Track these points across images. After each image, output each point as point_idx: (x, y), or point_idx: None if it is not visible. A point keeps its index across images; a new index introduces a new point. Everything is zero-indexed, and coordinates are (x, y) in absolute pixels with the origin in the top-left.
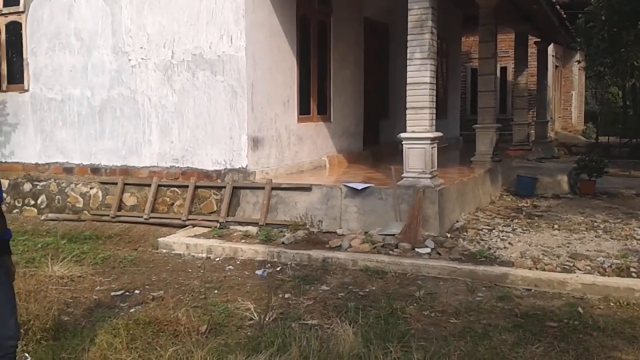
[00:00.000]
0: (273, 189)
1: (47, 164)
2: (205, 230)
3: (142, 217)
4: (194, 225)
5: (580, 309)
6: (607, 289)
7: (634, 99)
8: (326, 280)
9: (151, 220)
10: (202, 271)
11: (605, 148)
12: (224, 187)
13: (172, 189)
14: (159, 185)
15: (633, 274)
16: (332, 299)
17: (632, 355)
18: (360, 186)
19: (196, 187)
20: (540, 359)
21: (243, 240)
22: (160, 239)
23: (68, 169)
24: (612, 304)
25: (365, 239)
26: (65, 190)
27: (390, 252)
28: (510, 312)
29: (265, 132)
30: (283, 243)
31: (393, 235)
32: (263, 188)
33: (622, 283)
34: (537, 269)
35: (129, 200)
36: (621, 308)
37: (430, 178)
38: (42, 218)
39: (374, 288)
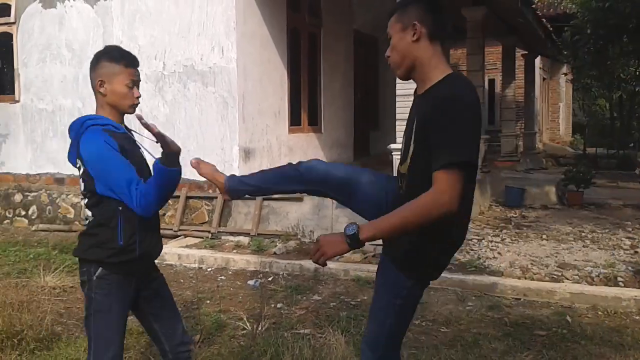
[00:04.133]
0: (264, 199)
1: (38, 174)
2: (197, 240)
3: None
4: (185, 236)
5: (568, 318)
6: (595, 298)
7: (621, 110)
8: (318, 290)
9: None
10: (194, 281)
11: (593, 159)
12: (216, 197)
13: None
14: None
15: (620, 284)
16: (324, 308)
17: None
18: None
19: (187, 198)
20: None
21: (235, 251)
22: None
23: (59, 180)
24: (600, 312)
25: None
26: (57, 201)
27: None
28: (499, 321)
29: (257, 143)
30: (275, 253)
31: (381, 246)
32: (254, 198)
33: (610, 292)
34: (526, 278)
35: None
36: (609, 317)
37: None
38: (33, 229)
39: (365, 297)
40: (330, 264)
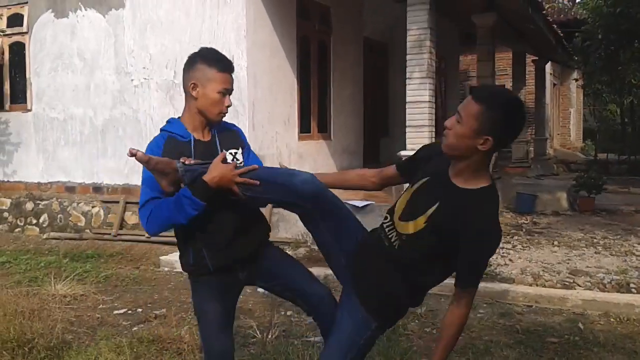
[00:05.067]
0: (274, 206)
1: (49, 182)
2: None
3: (143, 235)
4: None
5: (580, 325)
6: (607, 304)
7: (632, 116)
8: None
9: (153, 239)
10: None
11: (604, 165)
12: None
13: None
14: None
15: (633, 290)
16: None
17: None
18: (361, 204)
19: None
20: None
21: None
22: (162, 257)
23: (70, 188)
24: (612, 319)
25: None
26: (67, 209)
27: None
28: (511, 328)
29: (266, 151)
30: None
31: None
32: (265, 205)
33: (622, 299)
34: (537, 285)
35: (131, 219)
36: (621, 324)
37: None
38: (44, 237)
39: None
40: None
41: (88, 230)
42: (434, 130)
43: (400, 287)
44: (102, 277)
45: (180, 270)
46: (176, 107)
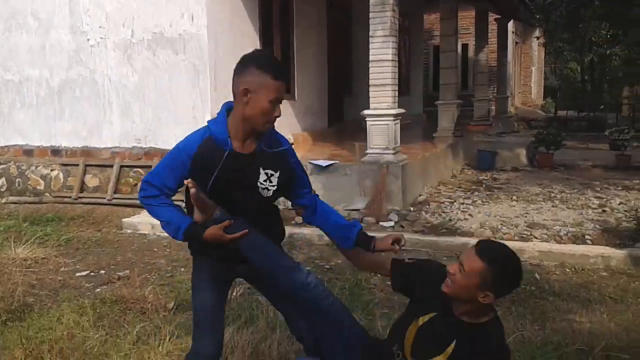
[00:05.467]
0: None
1: (6, 146)
2: None
3: (105, 198)
4: None
5: (537, 275)
6: (563, 255)
7: (592, 74)
8: (292, 255)
9: (114, 202)
10: (168, 250)
11: (564, 122)
12: None
13: (136, 169)
14: (122, 166)
15: (588, 241)
16: None
17: (586, 317)
18: (325, 163)
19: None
20: None
21: None
22: (124, 220)
23: (28, 151)
24: (567, 269)
25: None
26: (26, 173)
27: None
28: None
29: None
30: None
31: (358, 210)
32: None
33: (577, 250)
34: (496, 238)
35: (91, 181)
36: (576, 273)
37: (393, 154)
38: (3, 201)
39: (339, 261)
40: (305, 230)
41: (47, 194)
42: (397, 89)
43: None
44: (63, 240)
45: (145, 232)
46: (134, 67)
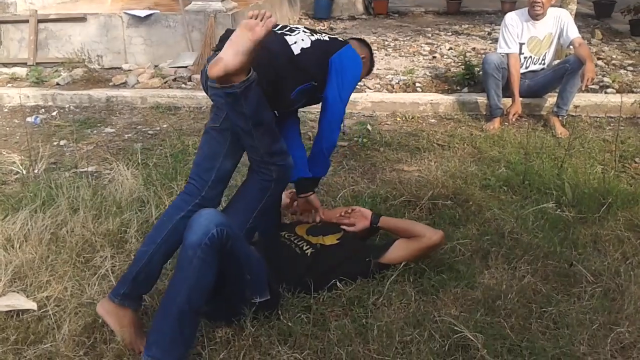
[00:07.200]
0: (40, 21)
1: None
2: None
3: None
4: None
5: (369, 127)
6: (395, 105)
7: None
8: (111, 121)
9: None
10: None
11: None
12: None
13: None
14: None
15: (418, 89)
16: (116, 141)
17: (415, 165)
18: (143, 13)
19: None
20: (328, 177)
21: (10, 84)
22: None
23: None
24: (398, 119)
25: (154, 74)
26: None
27: (183, 85)
28: (303, 135)
29: None
30: (58, 84)
31: (186, 67)
32: (27, 21)
33: (408, 98)
34: None
35: None
36: (407, 122)
37: (221, 1)
38: None
39: (165, 126)
40: (125, 92)
41: None
42: None
43: None
44: None
45: None
46: None
